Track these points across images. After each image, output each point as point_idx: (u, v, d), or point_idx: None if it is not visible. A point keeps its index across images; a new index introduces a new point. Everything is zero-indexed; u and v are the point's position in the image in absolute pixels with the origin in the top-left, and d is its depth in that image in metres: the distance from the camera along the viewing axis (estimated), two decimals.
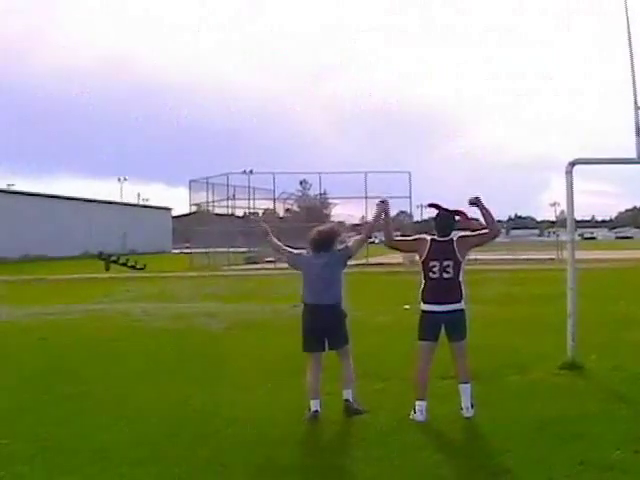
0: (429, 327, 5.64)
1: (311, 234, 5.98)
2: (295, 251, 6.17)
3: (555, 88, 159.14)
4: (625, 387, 6.55)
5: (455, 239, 5.67)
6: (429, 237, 5.75)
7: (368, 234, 6.14)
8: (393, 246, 6.06)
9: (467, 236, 5.75)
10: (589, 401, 6.01)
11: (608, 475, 4.27)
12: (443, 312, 5.57)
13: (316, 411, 5.65)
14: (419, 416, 5.55)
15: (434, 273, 5.59)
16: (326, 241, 5.90)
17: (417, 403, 5.59)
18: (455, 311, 5.59)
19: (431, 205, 5.85)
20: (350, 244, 6.07)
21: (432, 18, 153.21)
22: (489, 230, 5.70)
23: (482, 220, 5.74)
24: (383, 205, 5.92)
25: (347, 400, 5.80)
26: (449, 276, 5.57)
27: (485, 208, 5.67)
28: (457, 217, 5.77)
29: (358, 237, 6.11)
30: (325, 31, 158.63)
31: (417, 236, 5.95)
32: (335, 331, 5.82)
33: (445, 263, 5.57)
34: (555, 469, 4.37)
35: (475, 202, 5.67)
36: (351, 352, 5.93)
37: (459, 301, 5.61)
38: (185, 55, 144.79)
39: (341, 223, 31.31)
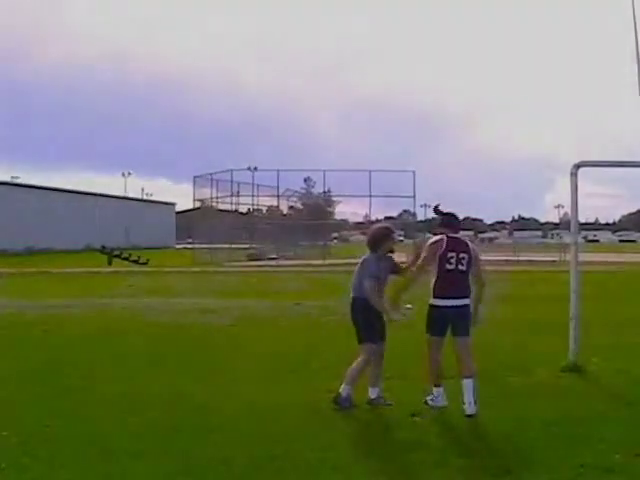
0: (437, 322, 5.80)
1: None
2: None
3: (563, 89, 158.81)
4: (627, 390, 6.56)
5: (471, 245, 5.88)
6: (443, 237, 5.84)
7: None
8: (428, 266, 5.98)
9: (478, 259, 5.93)
10: (591, 404, 6.02)
11: (609, 478, 4.27)
12: (451, 307, 5.72)
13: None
14: (440, 400, 5.74)
15: (451, 264, 5.71)
16: (370, 242, 6.06)
17: (435, 390, 5.79)
18: (462, 306, 5.75)
19: (436, 211, 6.10)
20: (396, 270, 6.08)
21: (438, 15, 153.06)
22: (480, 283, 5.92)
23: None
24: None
25: (338, 394, 5.84)
26: (463, 269, 5.74)
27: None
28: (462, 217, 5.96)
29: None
30: (332, 28, 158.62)
31: (431, 242, 5.90)
32: (355, 325, 6.04)
33: (461, 255, 5.75)
34: (556, 471, 4.37)
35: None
36: (366, 353, 5.94)
37: (467, 296, 5.80)
38: (191, 51, 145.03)
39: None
